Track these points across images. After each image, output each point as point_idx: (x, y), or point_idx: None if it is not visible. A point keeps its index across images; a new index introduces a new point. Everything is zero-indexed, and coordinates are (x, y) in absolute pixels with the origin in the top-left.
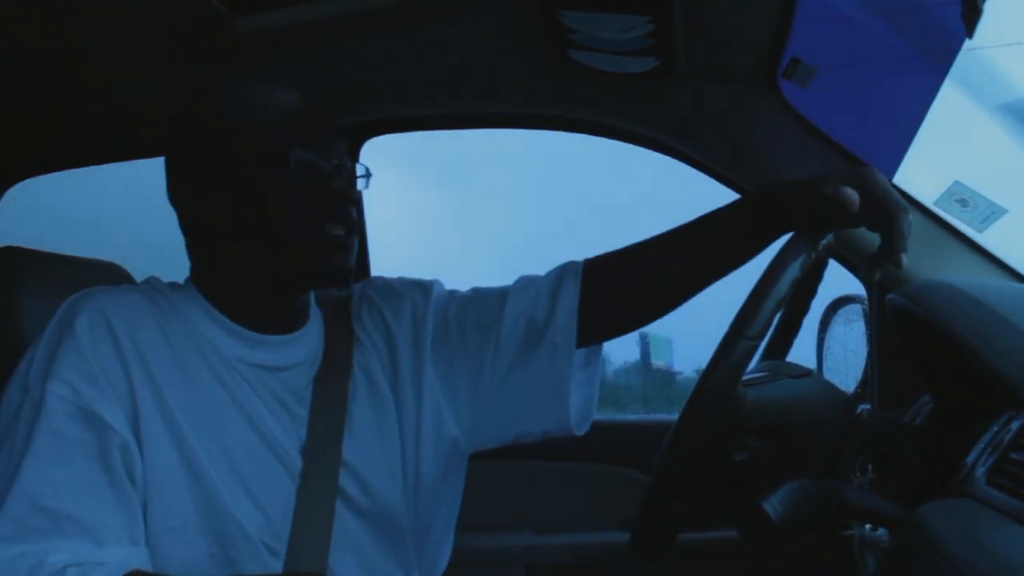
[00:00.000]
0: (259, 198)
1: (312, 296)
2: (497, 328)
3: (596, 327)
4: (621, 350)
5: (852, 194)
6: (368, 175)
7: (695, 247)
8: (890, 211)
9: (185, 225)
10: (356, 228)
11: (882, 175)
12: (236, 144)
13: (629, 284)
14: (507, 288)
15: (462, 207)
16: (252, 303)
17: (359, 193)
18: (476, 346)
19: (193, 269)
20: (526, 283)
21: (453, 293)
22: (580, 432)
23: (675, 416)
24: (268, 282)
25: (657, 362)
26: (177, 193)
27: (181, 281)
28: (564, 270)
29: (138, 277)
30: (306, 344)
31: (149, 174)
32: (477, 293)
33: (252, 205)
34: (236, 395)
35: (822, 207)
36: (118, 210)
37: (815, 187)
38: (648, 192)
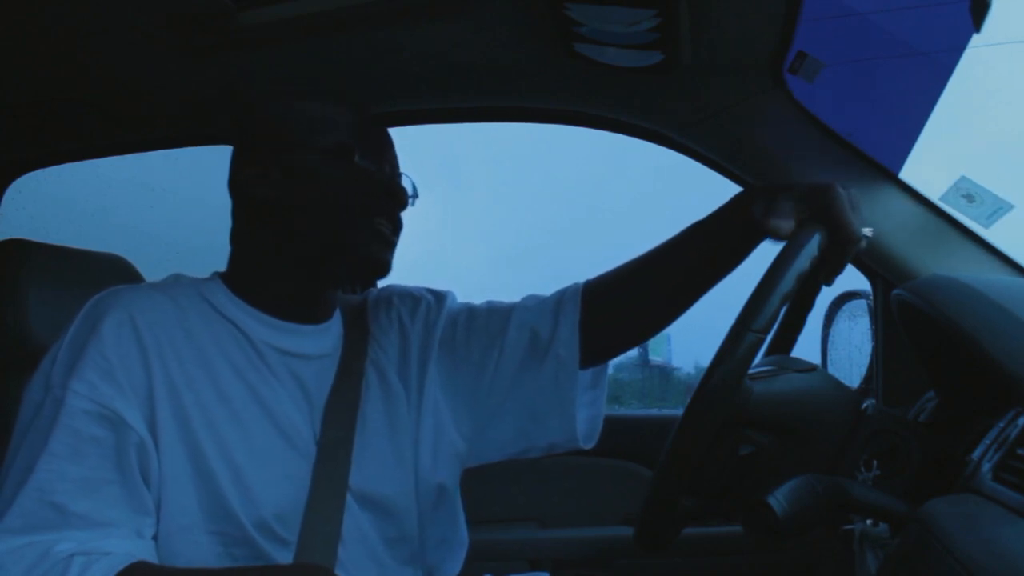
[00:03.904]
0: (322, 184)
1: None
2: (501, 339)
3: (598, 347)
4: None
5: (779, 224)
6: (415, 195)
7: (690, 257)
8: (836, 215)
9: (242, 210)
10: (400, 230)
11: (842, 192)
12: (309, 135)
13: (628, 304)
14: (514, 304)
15: (446, 208)
16: (284, 293)
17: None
18: (479, 355)
19: (233, 257)
20: (532, 300)
21: (466, 304)
22: (587, 446)
23: (678, 410)
24: (312, 266)
25: (655, 358)
26: (241, 176)
27: (188, 275)
28: (564, 291)
29: (142, 269)
30: (331, 336)
31: (154, 166)
32: (488, 306)
33: (314, 189)
34: (257, 388)
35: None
36: (123, 202)
37: (749, 200)
38: (643, 192)
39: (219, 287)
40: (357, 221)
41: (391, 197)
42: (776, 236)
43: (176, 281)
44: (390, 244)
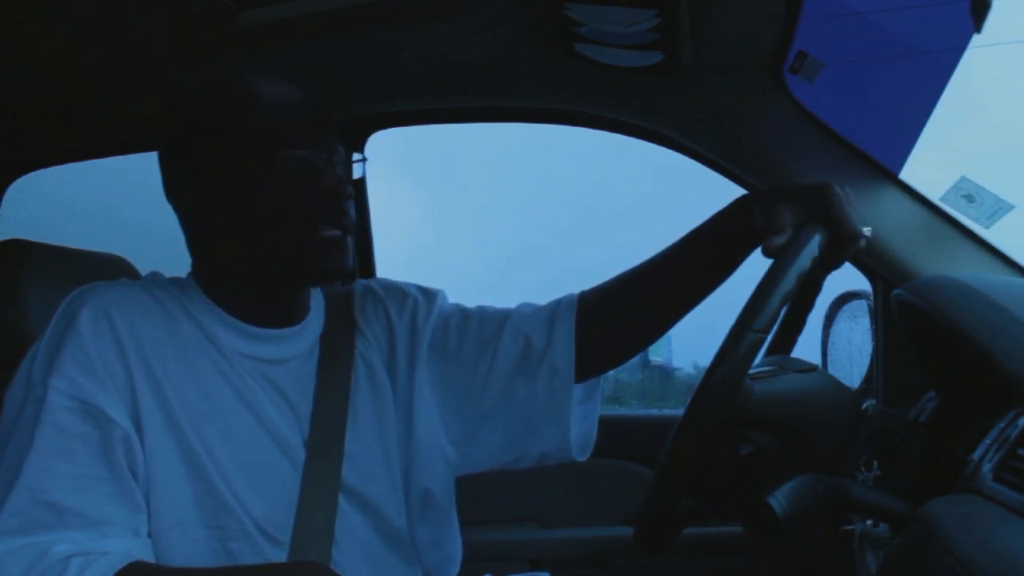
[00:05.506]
0: (250, 200)
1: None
2: (495, 344)
3: (594, 358)
4: None
5: (780, 226)
6: (364, 159)
7: (688, 265)
8: (834, 214)
9: (184, 224)
10: (351, 227)
11: (840, 191)
12: (224, 145)
13: (624, 315)
14: (509, 309)
15: (444, 207)
16: (251, 299)
17: (359, 184)
18: (471, 359)
19: (194, 265)
20: (527, 308)
21: (458, 306)
22: (580, 458)
23: (678, 410)
24: (264, 281)
25: (655, 358)
26: (172, 195)
27: (182, 276)
28: (559, 302)
29: (142, 269)
30: (306, 337)
31: (154, 166)
32: (482, 310)
33: (243, 208)
34: (239, 388)
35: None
36: (123, 202)
37: (752, 202)
38: (643, 192)
39: (194, 291)
40: (298, 234)
41: (331, 196)
42: (777, 238)
43: (153, 279)
44: (340, 249)
